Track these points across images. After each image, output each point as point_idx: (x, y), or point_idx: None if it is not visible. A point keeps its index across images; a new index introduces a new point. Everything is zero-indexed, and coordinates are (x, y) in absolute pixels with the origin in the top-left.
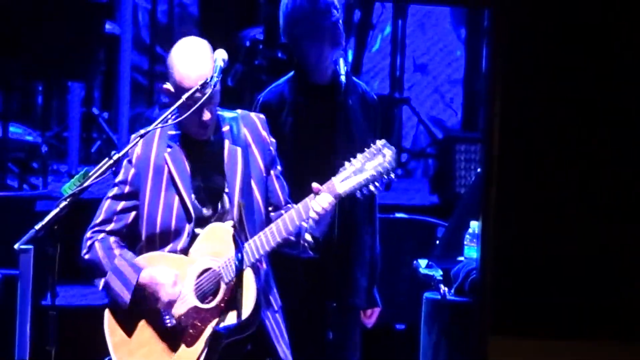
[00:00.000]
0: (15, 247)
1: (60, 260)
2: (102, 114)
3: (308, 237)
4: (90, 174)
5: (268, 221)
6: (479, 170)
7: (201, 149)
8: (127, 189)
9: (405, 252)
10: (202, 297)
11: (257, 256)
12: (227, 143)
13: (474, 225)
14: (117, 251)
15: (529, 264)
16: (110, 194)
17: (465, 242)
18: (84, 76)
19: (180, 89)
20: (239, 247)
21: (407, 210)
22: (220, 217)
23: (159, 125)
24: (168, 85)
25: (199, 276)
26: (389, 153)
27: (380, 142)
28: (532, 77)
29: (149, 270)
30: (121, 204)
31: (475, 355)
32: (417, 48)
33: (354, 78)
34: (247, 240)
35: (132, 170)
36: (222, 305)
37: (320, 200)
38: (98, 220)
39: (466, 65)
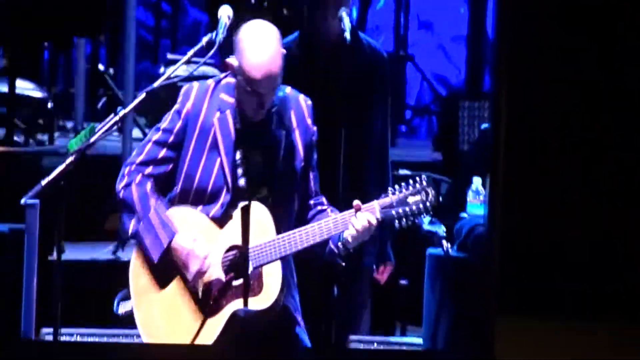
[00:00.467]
0: (21, 202)
1: (67, 215)
2: (107, 70)
3: (340, 245)
4: (96, 130)
5: (300, 208)
6: (482, 126)
7: (249, 124)
8: (171, 138)
9: None
10: (227, 272)
11: (287, 252)
12: (273, 124)
13: (477, 182)
14: (152, 201)
15: (533, 250)
16: (154, 137)
17: (468, 199)
18: (92, 32)
19: (241, 71)
20: (273, 237)
21: (411, 166)
22: (254, 194)
23: (164, 81)
24: (232, 60)
25: (228, 250)
26: (431, 193)
27: (425, 179)
28: (536, 59)
29: (181, 238)
30: (162, 152)
31: (482, 336)
32: (421, 5)
33: (360, 34)
34: (278, 223)
35: (180, 123)
36: (246, 287)
37: (361, 220)
38: (138, 160)
39: (470, 23)
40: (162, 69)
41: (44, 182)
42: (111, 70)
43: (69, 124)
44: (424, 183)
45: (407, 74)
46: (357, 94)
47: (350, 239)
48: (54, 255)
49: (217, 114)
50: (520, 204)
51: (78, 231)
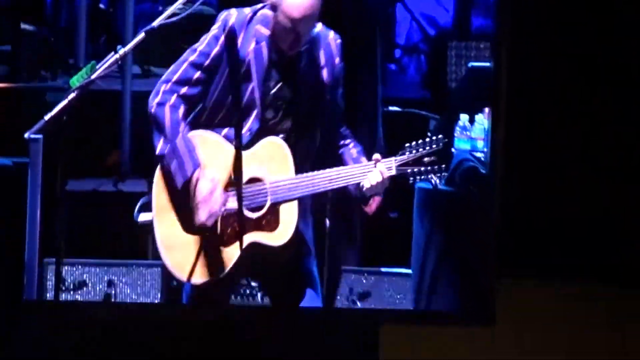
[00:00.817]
0: (25, 136)
1: (69, 149)
2: (109, 9)
3: (358, 192)
4: (97, 67)
5: (325, 141)
6: (469, 65)
7: (283, 57)
8: (207, 62)
9: (398, 144)
10: (246, 204)
11: (306, 193)
12: (303, 61)
13: (464, 118)
14: (182, 127)
15: (532, 226)
16: (190, 58)
17: (455, 134)
18: None
19: (281, 9)
20: (292, 174)
21: (400, 103)
22: (280, 125)
23: (163, 20)
24: None
25: (246, 182)
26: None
27: (442, 142)
28: (535, 32)
29: (205, 173)
30: (197, 74)
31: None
32: None
33: None
34: (300, 155)
35: (217, 48)
36: (263, 221)
37: (377, 175)
38: (174, 78)
39: None
40: (160, 9)
41: (46, 117)
42: (112, 10)
43: (71, 61)
44: (441, 145)
45: (397, 14)
46: (349, 35)
47: (365, 190)
48: (57, 187)
49: (253, 44)
50: (519, 178)
51: (80, 165)
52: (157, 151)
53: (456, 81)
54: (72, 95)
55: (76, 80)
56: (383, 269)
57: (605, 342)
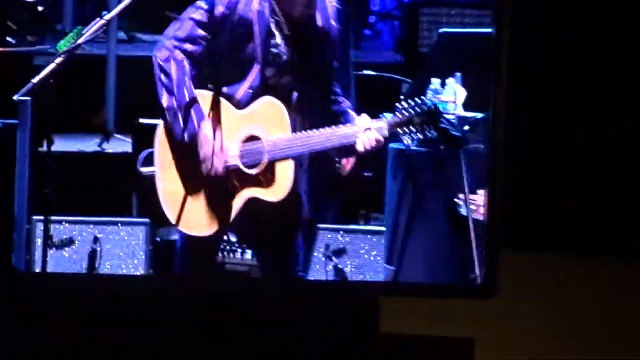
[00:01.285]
0: (14, 98)
1: (56, 111)
2: None
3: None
4: (83, 32)
5: (321, 97)
6: (440, 30)
7: (285, 19)
8: (210, 20)
9: (371, 106)
10: (244, 161)
11: (301, 152)
12: (302, 23)
13: (436, 82)
14: (187, 81)
15: (532, 223)
16: (195, 15)
17: (427, 97)
18: None
19: None
20: (288, 133)
21: (374, 67)
22: (279, 83)
23: None
24: None
25: (245, 140)
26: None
27: (432, 103)
28: (534, 27)
29: (208, 128)
30: (200, 31)
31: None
32: None
33: None
34: (297, 115)
35: (220, 8)
36: (260, 178)
37: (370, 139)
38: (180, 35)
39: None
40: None
41: (35, 80)
42: None
43: (59, 27)
44: (432, 107)
45: None
46: None
47: (360, 151)
48: (44, 148)
49: (257, 4)
50: (518, 174)
51: (66, 125)
52: (164, 104)
53: (428, 46)
54: (59, 59)
55: (63, 45)
56: (358, 227)
57: (606, 312)
